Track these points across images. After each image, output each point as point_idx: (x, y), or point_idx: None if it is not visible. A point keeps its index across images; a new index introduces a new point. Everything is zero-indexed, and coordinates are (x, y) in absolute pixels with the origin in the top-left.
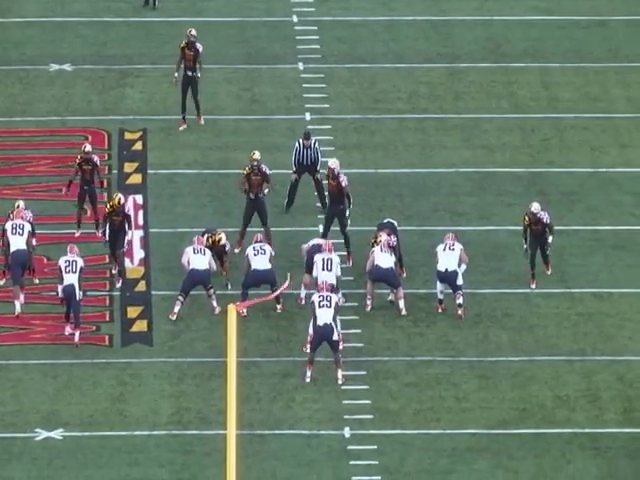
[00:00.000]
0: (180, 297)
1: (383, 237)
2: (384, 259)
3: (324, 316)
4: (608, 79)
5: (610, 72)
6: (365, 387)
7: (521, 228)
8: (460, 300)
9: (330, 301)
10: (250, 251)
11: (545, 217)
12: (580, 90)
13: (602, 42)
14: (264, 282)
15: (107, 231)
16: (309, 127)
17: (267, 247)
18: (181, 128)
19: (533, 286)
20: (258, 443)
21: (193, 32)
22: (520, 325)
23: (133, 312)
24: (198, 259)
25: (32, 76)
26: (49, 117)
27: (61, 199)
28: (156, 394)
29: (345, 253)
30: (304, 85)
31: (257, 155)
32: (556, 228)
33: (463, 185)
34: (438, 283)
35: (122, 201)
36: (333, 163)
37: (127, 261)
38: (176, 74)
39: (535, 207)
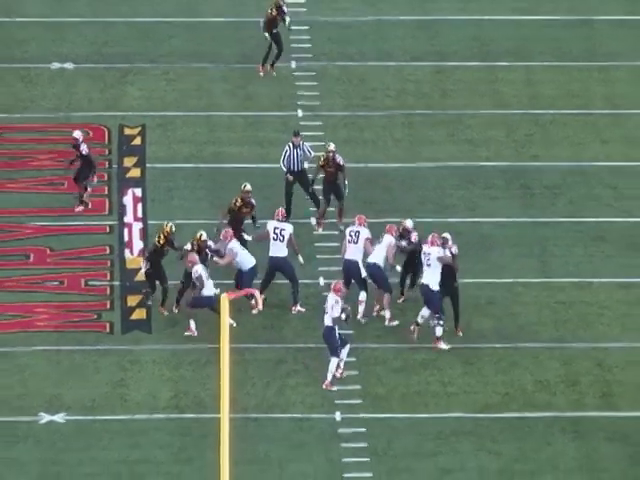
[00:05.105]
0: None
1: (408, 222)
2: (351, 251)
3: (350, 251)
4: (589, 77)
5: (591, 70)
6: (355, 373)
7: (506, 220)
8: (437, 332)
9: (358, 237)
10: (270, 230)
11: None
12: (562, 87)
13: (583, 41)
14: (279, 270)
15: (146, 266)
16: (301, 123)
17: (287, 230)
18: (261, 74)
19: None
20: (252, 426)
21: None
22: (503, 313)
23: (133, 301)
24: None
25: (35, 74)
26: (51, 114)
27: (63, 192)
28: (155, 379)
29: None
30: (296, 83)
31: (332, 147)
32: (539, 220)
33: (449, 179)
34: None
35: (174, 229)
36: (247, 186)
37: (127, 251)
38: (266, 34)
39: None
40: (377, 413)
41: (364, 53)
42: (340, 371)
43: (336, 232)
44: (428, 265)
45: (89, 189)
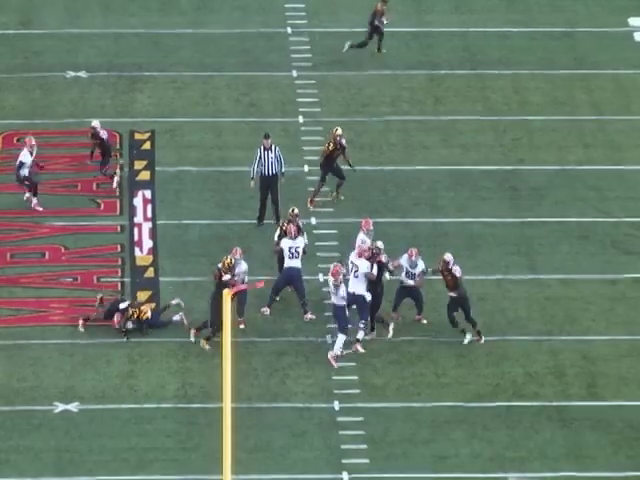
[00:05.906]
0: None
1: (447, 256)
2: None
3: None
4: (573, 85)
5: (575, 79)
6: (353, 364)
7: (494, 220)
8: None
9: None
10: (286, 252)
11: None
12: (548, 95)
13: (568, 52)
14: (291, 281)
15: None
16: (302, 129)
17: (300, 246)
18: (383, 50)
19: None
20: (256, 415)
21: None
22: (493, 308)
23: (142, 296)
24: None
25: (51, 82)
26: (66, 119)
27: (77, 194)
28: (163, 371)
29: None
30: (297, 90)
31: (340, 130)
32: (526, 220)
33: (441, 181)
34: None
35: (233, 261)
36: (295, 210)
37: (137, 250)
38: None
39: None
40: (374, 402)
41: (361, 62)
42: (339, 352)
43: (335, 231)
44: (356, 276)
45: (114, 172)
